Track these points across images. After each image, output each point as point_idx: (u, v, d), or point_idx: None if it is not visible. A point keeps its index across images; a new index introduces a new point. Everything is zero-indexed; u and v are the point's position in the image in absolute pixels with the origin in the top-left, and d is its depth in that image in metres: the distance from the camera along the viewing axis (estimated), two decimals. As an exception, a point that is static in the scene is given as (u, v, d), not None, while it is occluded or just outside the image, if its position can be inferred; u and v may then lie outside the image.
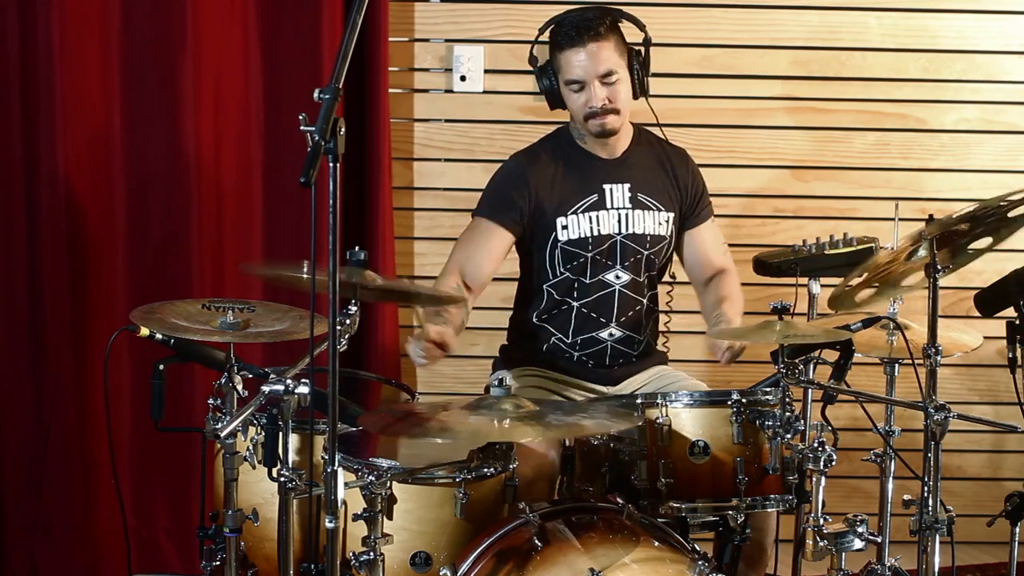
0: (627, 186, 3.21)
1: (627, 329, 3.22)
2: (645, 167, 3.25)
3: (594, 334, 3.21)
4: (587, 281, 3.19)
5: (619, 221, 3.19)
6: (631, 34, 3.19)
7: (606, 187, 3.20)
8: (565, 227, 3.17)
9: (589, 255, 3.17)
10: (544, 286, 3.21)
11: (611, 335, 3.21)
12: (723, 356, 3.05)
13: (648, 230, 3.22)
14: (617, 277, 3.21)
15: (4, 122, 3.69)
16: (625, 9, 3.23)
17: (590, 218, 3.18)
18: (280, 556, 2.48)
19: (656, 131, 3.33)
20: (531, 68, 3.23)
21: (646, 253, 3.22)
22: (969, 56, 4.07)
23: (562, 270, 3.19)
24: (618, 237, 3.19)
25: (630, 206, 3.21)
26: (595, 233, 3.18)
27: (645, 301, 3.26)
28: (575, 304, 3.20)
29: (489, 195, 3.24)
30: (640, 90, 3.19)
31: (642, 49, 3.20)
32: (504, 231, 3.17)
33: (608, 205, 3.19)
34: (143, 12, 3.74)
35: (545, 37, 3.21)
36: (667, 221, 3.25)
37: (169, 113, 3.76)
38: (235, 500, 2.66)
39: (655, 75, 3.24)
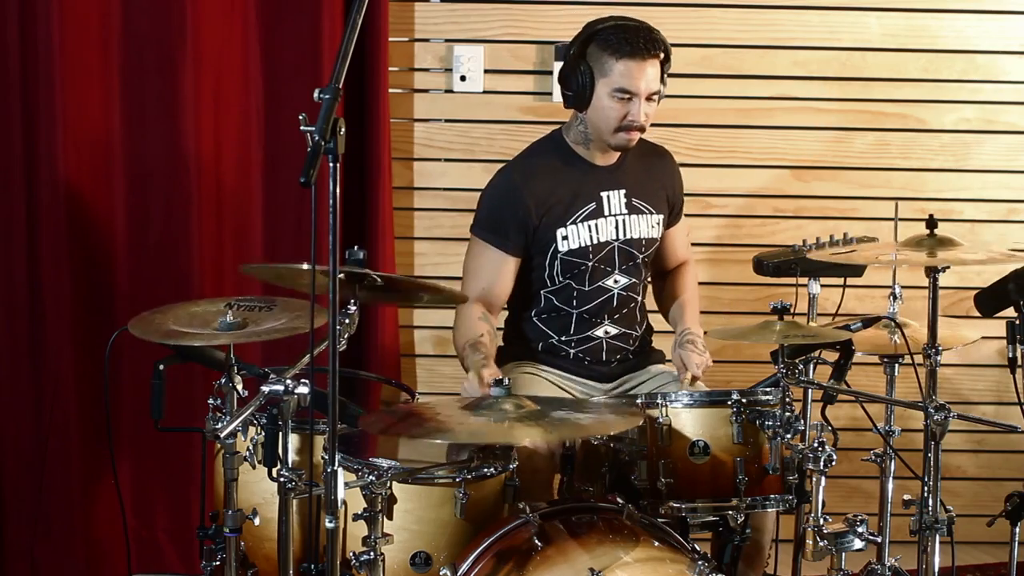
0: (623, 192, 3.21)
1: (621, 326, 3.23)
2: (637, 171, 3.25)
3: (589, 333, 3.21)
4: (586, 288, 3.19)
5: (616, 227, 3.19)
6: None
7: (603, 194, 3.20)
8: (565, 237, 3.16)
9: (590, 263, 3.17)
10: (542, 292, 3.21)
11: (606, 332, 3.22)
12: (685, 377, 3.09)
13: (643, 234, 3.23)
14: (616, 282, 3.21)
15: (4, 122, 3.68)
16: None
17: (589, 227, 3.18)
18: (280, 556, 2.48)
19: None
20: (562, 59, 3.17)
21: (641, 256, 3.23)
22: (969, 56, 4.07)
23: (562, 279, 3.19)
24: (616, 243, 3.19)
25: (626, 211, 3.21)
26: (594, 241, 3.18)
27: (639, 299, 3.27)
28: (574, 311, 3.21)
29: (488, 216, 3.21)
30: None
31: (662, 72, 3.17)
32: (512, 257, 3.17)
33: (606, 212, 3.19)
34: (143, 12, 3.73)
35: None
36: (659, 223, 3.26)
37: (169, 113, 3.76)
38: (235, 500, 2.66)
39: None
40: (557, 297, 3.20)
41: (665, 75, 3.17)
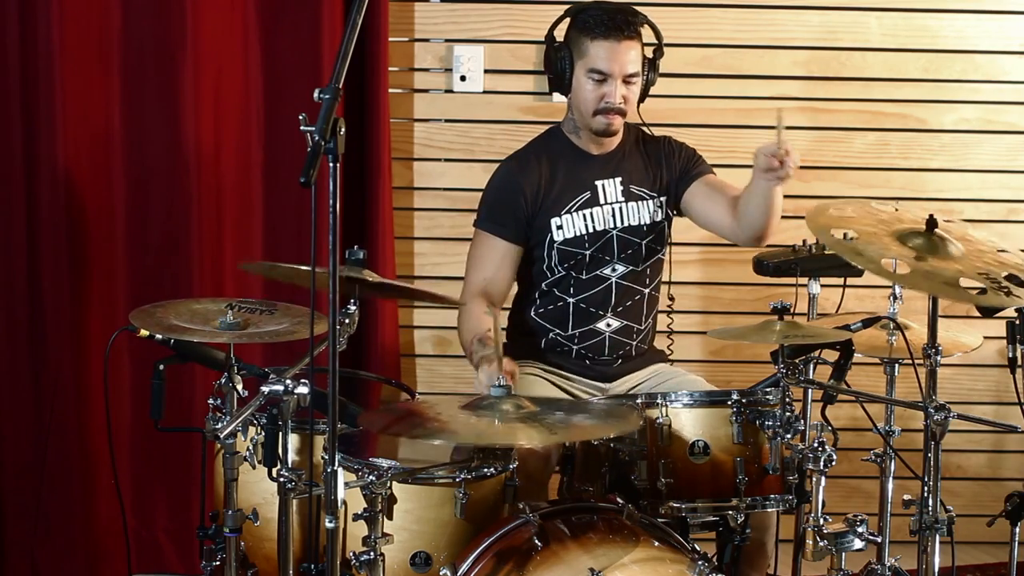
0: (619, 180, 3.22)
1: (625, 319, 3.22)
2: (634, 159, 3.26)
3: (592, 326, 3.21)
4: (583, 277, 3.20)
5: (614, 215, 3.20)
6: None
7: (598, 183, 3.20)
8: (560, 227, 3.17)
9: (587, 252, 3.18)
10: (543, 284, 3.22)
11: (608, 325, 3.21)
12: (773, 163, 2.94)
13: (644, 220, 3.22)
14: (613, 270, 3.21)
15: (4, 122, 3.68)
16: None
17: (584, 216, 3.18)
18: (280, 556, 2.49)
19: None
20: (545, 44, 3.18)
21: (643, 243, 3.23)
22: (969, 56, 4.07)
23: (560, 269, 3.19)
24: (614, 231, 3.20)
25: (623, 199, 3.21)
26: (590, 230, 3.18)
27: (646, 291, 3.26)
28: (571, 300, 3.21)
29: (488, 208, 3.23)
30: (643, 97, 3.20)
31: (654, 59, 3.18)
32: (513, 245, 3.18)
33: (601, 201, 3.20)
34: (143, 12, 3.74)
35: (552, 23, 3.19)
36: (661, 206, 3.25)
37: (169, 113, 3.76)
38: (235, 500, 2.66)
39: (654, 75, 3.24)
40: (557, 288, 3.21)
41: (657, 61, 3.18)
